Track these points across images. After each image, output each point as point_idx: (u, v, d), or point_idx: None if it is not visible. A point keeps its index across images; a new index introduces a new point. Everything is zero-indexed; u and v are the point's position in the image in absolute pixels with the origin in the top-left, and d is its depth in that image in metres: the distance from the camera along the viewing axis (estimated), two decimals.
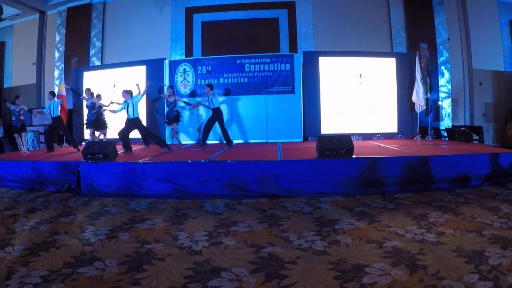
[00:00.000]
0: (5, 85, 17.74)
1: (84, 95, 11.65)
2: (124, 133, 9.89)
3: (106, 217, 5.75)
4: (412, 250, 3.78)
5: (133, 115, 9.82)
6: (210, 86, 11.05)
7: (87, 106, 11.40)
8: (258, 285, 3.17)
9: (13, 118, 10.54)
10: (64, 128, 11.01)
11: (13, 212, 6.16)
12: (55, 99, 10.94)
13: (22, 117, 10.54)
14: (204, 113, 12.45)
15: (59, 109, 10.72)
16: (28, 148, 10.89)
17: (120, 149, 9.31)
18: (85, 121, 11.95)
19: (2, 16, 17.27)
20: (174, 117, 11.36)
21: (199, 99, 12.09)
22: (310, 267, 3.50)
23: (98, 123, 11.52)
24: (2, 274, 3.58)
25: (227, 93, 12.48)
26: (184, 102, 11.84)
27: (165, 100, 11.84)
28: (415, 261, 3.50)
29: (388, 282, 3.09)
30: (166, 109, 12.04)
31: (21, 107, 10.45)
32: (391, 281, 3.10)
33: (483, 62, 13.81)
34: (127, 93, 9.91)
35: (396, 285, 3.03)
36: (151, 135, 10.42)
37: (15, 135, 10.79)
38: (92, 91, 11.69)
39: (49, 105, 10.56)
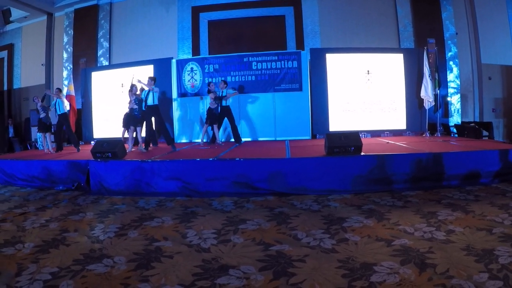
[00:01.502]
0: (15, 86, 17.93)
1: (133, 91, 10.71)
2: (150, 126, 10.20)
3: (115, 215, 5.78)
4: (421, 249, 3.75)
5: (153, 102, 9.93)
6: (226, 82, 11.23)
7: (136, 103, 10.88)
8: (266, 283, 3.16)
9: (42, 116, 10.70)
10: (68, 126, 11.03)
11: (24, 210, 6.22)
12: (61, 97, 10.96)
13: (49, 116, 10.73)
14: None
15: (65, 106, 10.72)
16: (50, 147, 10.89)
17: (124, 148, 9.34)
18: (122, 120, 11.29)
19: (11, 19, 17.48)
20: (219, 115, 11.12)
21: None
22: (318, 265, 3.49)
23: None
24: (13, 270, 3.61)
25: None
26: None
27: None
28: (424, 259, 3.48)
29: (397, 280, 3.07)
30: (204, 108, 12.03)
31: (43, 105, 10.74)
32: (399, 280, 3.08)
33: (492, 57, 13.69)
34: (152, 80, 10.01)
35: (405, 284, 3.01)
36: (164, 128, 10.36)
37: (41, 133, 10.98)
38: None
39: (55, 102, 10.60)
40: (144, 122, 10.29)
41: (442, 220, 4.71)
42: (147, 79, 9.99)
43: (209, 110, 10.94)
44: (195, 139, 12.47)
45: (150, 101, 9.89)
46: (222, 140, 11.77)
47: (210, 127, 11.10)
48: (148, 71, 12.96)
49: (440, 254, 3.58)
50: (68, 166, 8.11)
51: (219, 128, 11.34)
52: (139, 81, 10.12)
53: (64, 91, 14.17)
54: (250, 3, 14.45)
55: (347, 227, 4.64)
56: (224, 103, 10.91)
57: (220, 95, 10.97)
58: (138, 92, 10.38)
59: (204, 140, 11.49)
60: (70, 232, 4.90)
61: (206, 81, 12.60)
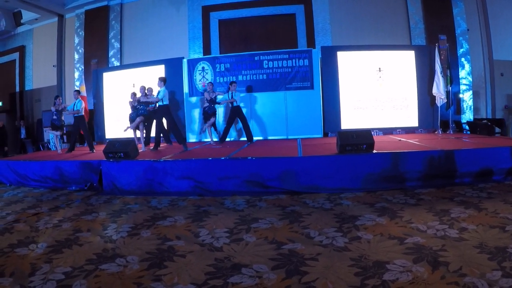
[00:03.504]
0: (27, 88, 18.09)
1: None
2: (161, 126, 10.16)
3: (128, 214, 5.81)
4: (434, 247, 3.73)
5: (163, 102, 9.88)
6: (234, 83, 11.27)
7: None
8: (279, 282, 3.17)
9: (55, 117, 10.74)
10: (85, 128, 11.05)
11: (37, 210, 6.27)
12: (80, 98, 10.93)
13: (63, 117, 10.87)
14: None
15: (82, 108, 10.78)
16: (60, 148, 10.95)
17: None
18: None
19: (22, 21, 17.61)
20: (213, 113, 11.08)
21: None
22: (330, 263, 3.48)
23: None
24: (26, 270, 3.65)
25: (246, 90, 12.49)
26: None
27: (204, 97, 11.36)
28: (437, 257, 3.46)
29: (410, 279, 3.06)
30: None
31: (63, 106, 10.82)
32: (412, 278, 3.06)
33: (504, 53, 13.55)
34: (162, 81, 9.97)
35: (417, 282, 2.99)
36: (175, 127, 10.25)
37: (52, 134, 10.99)
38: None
39: (74, 104, 10.68)
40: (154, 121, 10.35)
41: (455, 218, 4.68)
42: (158, 80, 9.99)
43: (203, 109, 11.12)
44: (207, 139, 12.48)
45: (160, 102, 9.95)
46: (215, 140, 11.64)
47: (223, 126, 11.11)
48: (159, 71, 13.02)
49: (453, 252, 3.56)
50: (80, 166, 8.17)
51: (229, 128, 11.35)
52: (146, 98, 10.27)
53: None
54: (261, 1, 14.45)
55: (360, 225, 4.63)
56: (234, 103, 10.96)
57: (231, 97, 11.04)
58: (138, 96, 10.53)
59: (215, 139, 11.48)
60: (83, 232, 4.94)
61: (218, 80, 12.63)
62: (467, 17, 13.47)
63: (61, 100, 10.84)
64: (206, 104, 10.94)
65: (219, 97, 11.16)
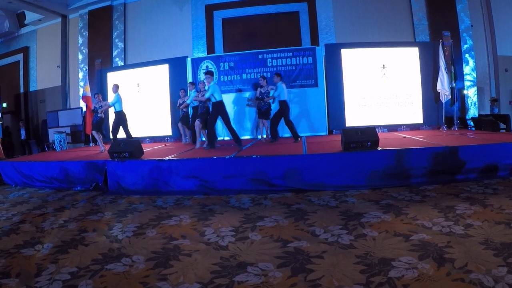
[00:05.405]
0: (31, 89, 18.17)
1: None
2: (212, 123, 9.64)
3: (133, 214, 5.82)
4: (439, 243, 3.72)
5: (218, 99, 9.21)
6: (279, 75, 10.34)
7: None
8: (284, 280, 3.17)
9: (99, 116, 10.57)
10: (125, 124, 10.76)
11: (42, 211, 6.29)
12: (118, 92, 10.61)
13: (100, 114, 10.64)
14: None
15: (122, 103, 10.52)
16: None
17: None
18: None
19: (25, 22, 17.67)
20: (266, 110, 10.74)
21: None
22: (336, 261, 3.48)
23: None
24: (32, 271, 3.66)
25: (251, 88, 12.49)
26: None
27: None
28: (442, 254, 3.45)
29: (415, 275, 3.05)
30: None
31: (104, 103, 10.66)
32: (418, 275, 3.06)
33: (508, 48, 13.50)
34: (210, 76, 9.30)
35: (423, 279, 2.99)
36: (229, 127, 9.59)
37: (94, 132, 10.79)
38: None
39: (117, 98, 10.42)
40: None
41: (460, 214, 4.66)
42: (205, 75, 9.40)
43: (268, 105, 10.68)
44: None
45: (213, 98, 9.27)
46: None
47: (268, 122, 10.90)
48: (163, 70, 13.05)
49: (458, 249, 3.55)
50: (85, 166, 8.18)
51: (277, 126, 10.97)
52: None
53: (80, 92, 14.35)
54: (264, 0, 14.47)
55: (365, 222, 4.62)
56: (281, 97, 10.20)
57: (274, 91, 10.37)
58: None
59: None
60: (88, 232, 4.95)
61: (222, 79, 12.65)
62: (471, 13, 13.44)
63: (101, 97, 10.80)
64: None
65: (272, 92, 10.47)
